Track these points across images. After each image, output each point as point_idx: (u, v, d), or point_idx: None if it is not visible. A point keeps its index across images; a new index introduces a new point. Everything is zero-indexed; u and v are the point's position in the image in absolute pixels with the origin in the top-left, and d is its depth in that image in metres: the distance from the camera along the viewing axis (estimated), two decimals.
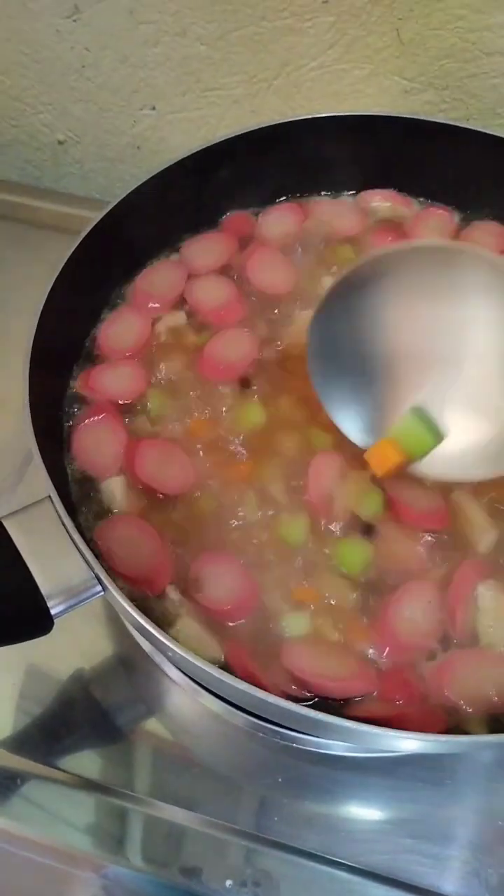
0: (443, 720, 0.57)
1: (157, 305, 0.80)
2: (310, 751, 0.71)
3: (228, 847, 0.68)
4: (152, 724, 0.75)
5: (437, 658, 0.61)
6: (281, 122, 0.82)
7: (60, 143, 1.13)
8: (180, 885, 0.67)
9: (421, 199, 0.88)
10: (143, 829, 0.70)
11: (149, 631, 0.54)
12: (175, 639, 0.54)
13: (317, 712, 0.51)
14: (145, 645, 0.77)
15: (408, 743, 0.54)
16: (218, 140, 0.80)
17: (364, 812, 0.71)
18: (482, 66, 0.88)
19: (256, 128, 0.80)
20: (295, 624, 0.62)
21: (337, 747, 0.71)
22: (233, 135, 0.80)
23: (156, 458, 0.69)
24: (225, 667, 0.59)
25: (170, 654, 0.55)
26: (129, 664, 0.78)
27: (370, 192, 0.88)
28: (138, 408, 0.74)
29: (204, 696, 0.74)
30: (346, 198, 0.89)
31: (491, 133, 0.79)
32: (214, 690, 0.68)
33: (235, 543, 0.66)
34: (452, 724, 0.58)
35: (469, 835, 0.69)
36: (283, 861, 0.68)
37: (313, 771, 0.72)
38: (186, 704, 0.76)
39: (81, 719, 0.75)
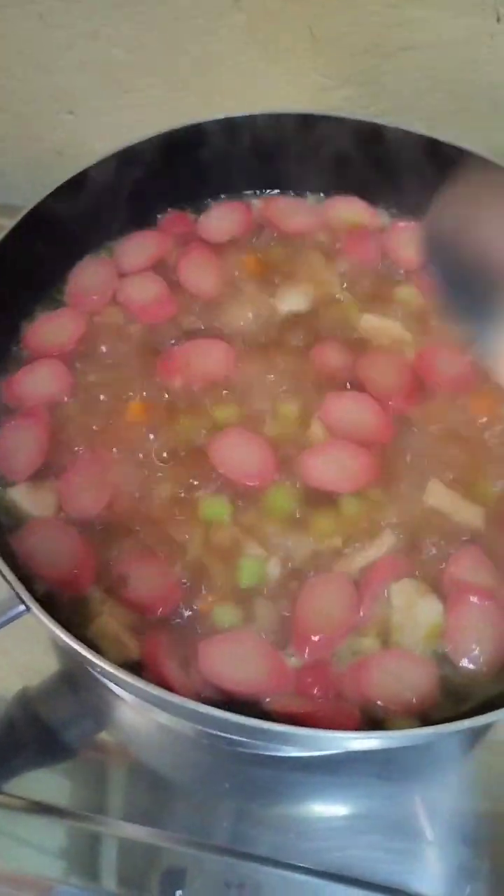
0: (356, 717, 0.58)
1: (90, 303, 0.79)
2: (257, 754, 0.71)
3: (180, 857, 0.67)
4: (100, 740, 0.74)
5: (353, 654, 0.62)
6: (197, 122, 0.82)
7: None
8: None
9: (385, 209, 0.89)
10: (93, 847, 0.69)
11: (66, 643, 0.53)
12: (93, 640, 0.54)
13: (222, 712, 0.51)
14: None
15: (335, 742, 0.54)
16: (133, 142, 0.79)
17: (316, 811, 0.71)
18: (398, 62, 0.89)
19: (170, 130, 0.80)
20: (222, 615, 0.63)
21: (285, 749, 0.71)
22: (146, 137, 0.79)
23: (78, 483, 0.68)
24: (140, 667, 0.59)
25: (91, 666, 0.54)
26: (73, 680, 0.77)
27: (335, 198, 0.89)
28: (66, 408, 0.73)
29: (150, 707, 0.72)
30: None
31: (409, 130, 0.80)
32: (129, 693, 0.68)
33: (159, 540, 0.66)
34: (373, 720, 0.58)
35: (422, 828, 0.69)
36: (235, 866, 0.67)
37: (262, 774, 0.71)
38: (132, 717, 0.75)
39: (27, 740, 0.74)
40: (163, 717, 0.73)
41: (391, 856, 0.68)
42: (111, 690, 0.75)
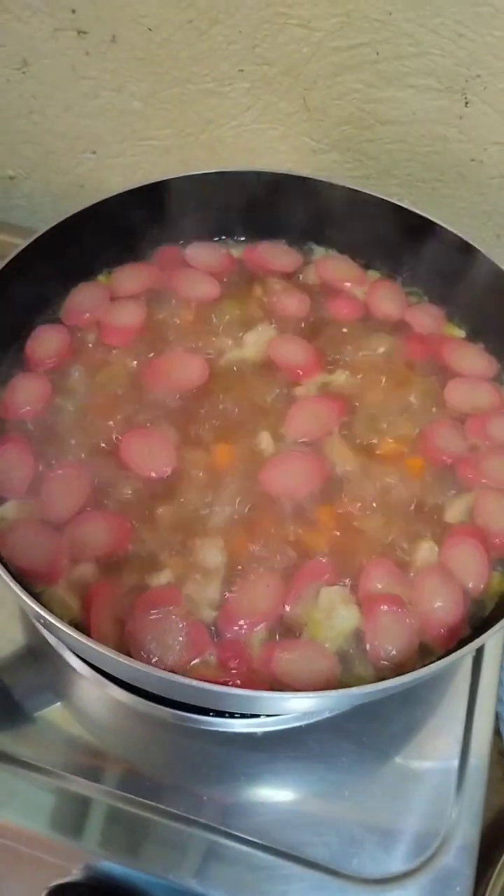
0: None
1: (81, 321, 0.88)
2: (203, 730, 0.79)
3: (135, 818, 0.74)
4: (58, 710, 0.82)
5: (268, 638, 0.70)
6: (199, 173, 0.91)
7: (11, 178, 1.23)
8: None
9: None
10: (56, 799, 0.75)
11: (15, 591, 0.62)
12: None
13: (132, 660, 0.60)
14: (50, 638, 0.84)
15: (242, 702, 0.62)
16: (140, 184, 0.90)
17: (257, 787, 0.78)
18: (377, 133, 1.00)
19: (174, 177, 0.90)
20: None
21: (221, 723, 0.79)
22: (151, 181, 0.90)
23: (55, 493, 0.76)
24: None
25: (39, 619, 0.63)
26: (38, 655, 0.85)
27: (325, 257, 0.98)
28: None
29: (107, 685, 0.81)
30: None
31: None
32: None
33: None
34: None
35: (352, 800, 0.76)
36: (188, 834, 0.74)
37: (208, 749, 0.79)
38: (88, 691, 0.82)
39: None
40: (116, 692, 0.81)
41: (318, 834, 0.75)
42: (70, 665, 0.83)
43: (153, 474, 0.77)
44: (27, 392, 0.83)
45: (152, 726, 0.80)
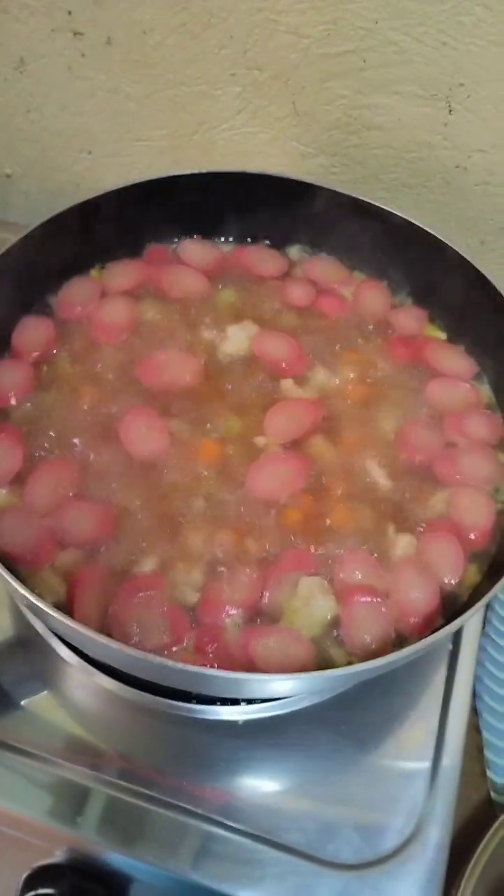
0: None
1: (73, 314, 0.90)
2: (190, 718, 0.81)
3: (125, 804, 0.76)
4: (45, 698, 0.83)
5: (245, 623, 0.72)
6: (191, 172, 0.93)
7: (8, 176, 1.25)
8: None
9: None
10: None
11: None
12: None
13: (109, 640, 0.61)
14: (38, 626, 0.86)
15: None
16: (131, 182, 0.91)
17: (246, 774, 0.80)
18: (364, 138, 1.03)
19: (163, 176, 0.92)
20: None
21: (209, 711, 0.80)
22: (144, 179, 0.92)
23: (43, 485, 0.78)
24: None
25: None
26: (26, 644, 0.87)
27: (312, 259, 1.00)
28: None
29: (94, 673, 0.83)
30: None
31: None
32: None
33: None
34: None
35: (333, 792, 0.78)
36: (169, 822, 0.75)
37: (194, 738, 0.80)
38: (75, 679, 0.84)
39: None
40: (103, 680, 0.83)
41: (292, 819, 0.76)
42: (58, 654, 0.85)
43: (146, 453, 0.79)
44: (12, 380, 0.84)
45: (137, 714, 0.82)
